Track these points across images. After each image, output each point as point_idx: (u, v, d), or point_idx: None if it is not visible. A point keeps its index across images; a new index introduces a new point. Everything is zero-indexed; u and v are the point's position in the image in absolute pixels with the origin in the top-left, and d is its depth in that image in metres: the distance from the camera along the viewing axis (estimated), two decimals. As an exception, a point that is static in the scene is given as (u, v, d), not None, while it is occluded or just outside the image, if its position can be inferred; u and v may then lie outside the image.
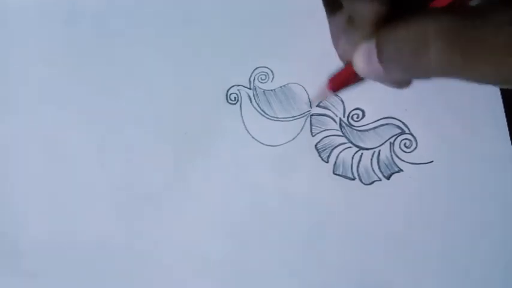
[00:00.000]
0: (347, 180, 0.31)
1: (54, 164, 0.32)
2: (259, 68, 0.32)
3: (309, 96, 0.32)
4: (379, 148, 0.31)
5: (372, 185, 0.31)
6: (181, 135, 0.32)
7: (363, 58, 0.23)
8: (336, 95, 0.27)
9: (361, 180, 0.31)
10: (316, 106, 0.31)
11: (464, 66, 0.22)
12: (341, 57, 0.25)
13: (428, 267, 0.30)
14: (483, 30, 0.20)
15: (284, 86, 0.32)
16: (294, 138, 0.31)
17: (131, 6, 0.33)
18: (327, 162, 0.31)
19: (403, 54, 0.22)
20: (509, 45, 0.20)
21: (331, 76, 0.26)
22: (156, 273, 0.30)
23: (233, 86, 0.32)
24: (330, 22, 0.27)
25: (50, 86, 0.32)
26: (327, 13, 0.27)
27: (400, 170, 0.31)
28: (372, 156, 0.31)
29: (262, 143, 0.31)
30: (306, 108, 0.32)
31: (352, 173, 0.31)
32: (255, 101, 0.32)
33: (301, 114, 0.32)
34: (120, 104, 0.32)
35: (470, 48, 0.21)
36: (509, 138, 0.31)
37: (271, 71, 0.32)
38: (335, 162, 0.31)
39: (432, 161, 0.31)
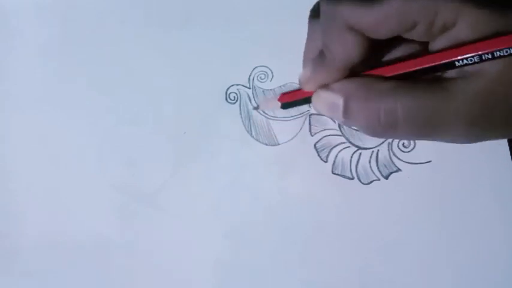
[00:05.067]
0: (346, 179, 0.31)
1: (53, 164, 0.32)
2: (258, 67, 0.32)
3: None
4: (377, 148, 0.31)
5: (371, 184, 0.31)
6: (180, 134, 0.32)
7: (325, 106, 0.24)
8: (283, 108, 0.29)
9: (359, 179, 0.31)
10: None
11: (423, 138, 0.23)
12: (301, 83, 0.26)
13: (427, 266, 0.30)
14: (445, 108, 0.21)
15: (283, 85, 0.32)
16: (293, 138, 0.32)
17: (131, 6, 0.33)
18: (326, 161, 0.31)
19: (371, 126, 0.23)
20: (468, 122, 0.21)
21: (285, 92, 0.29)
22: (155, 274, 0.31)
23: (232, 85, 0.32)
24: (306, 42, 0.27)
25: (49, 85, 0.32)
26: (307, 33, 0.27)
27: (399, 170, 0.31)
28: (371, 155, 0.31)
29: (261, 143, 0.32)
30: (305, 108, 0.32)
31: (351, 173, 0.31)
32: (255, 100, 0.32)
33: (300, 114, 0.32)
34: (119, 104, 0.32)
35: (432, 127, 0.22)
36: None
37: (271, 70, 0.32)
38: (334, 162, 0.31)
39: (430, 161, 0.31)
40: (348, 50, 0.22)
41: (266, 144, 0.32)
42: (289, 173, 0.31)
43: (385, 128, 0.22)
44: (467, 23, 0.21)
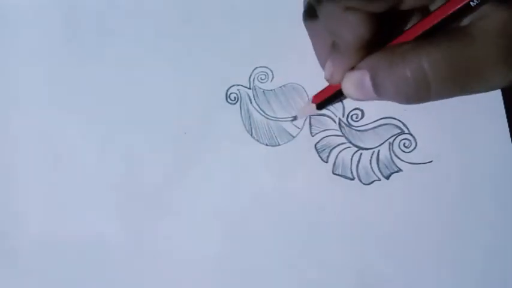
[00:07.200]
0: (346, 180, 0.31)
1: (53, 163, 0.32)
2: (259, 68, 0.32)
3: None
4: (378, 148, 0.31)
5: (371, 184, 0.31)
6: (181, 135, 0.32)
7: (354, 86, 0.24)
8: (321, 111, 0.29)
9: (360, 180, 0.31)
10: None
11: (460, 91, 0.22)
12: (328, 79, 0.26)
13: (427, 266, 0.30)
14: (473, 51, 0.21)
15: (284, 86, 0.32)
16: (293, 138, 0.31)
17: (131, 6, 0.33)
18: (327, 162, 0.31)
19: (403, 91, 0.22)
20: (500, 59, 0.21)
21: (316, 93, 0.28)
22: (155, 273, 0.31)
23: (233, 86, 0.32)
24: (313, 45, 0.28)
25: (49, 85, 0.33)
26: (310, 37, 0.27)
27: (400, 170, 0.31)
28: (371, 156, 0.31)
29: (261, 143, 0.32)
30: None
31: (352, 173, 0.31)
32: (255, 101, 0.32)
33: (300, 114, 0.32)
34: (119, 104, 0.32)
35: (465, 76, 0.21)
36: (509, 137, 0.31)
37: (271, 71, 0.32)
38: (334, 162, 0.31)
39: (431, 161, 0.31)
40: (355, 28, 0.22)
41: (266, 145, 0.32)
42: (289, 174, 0.31)
43: (418, 90, 0.22)
44: None
